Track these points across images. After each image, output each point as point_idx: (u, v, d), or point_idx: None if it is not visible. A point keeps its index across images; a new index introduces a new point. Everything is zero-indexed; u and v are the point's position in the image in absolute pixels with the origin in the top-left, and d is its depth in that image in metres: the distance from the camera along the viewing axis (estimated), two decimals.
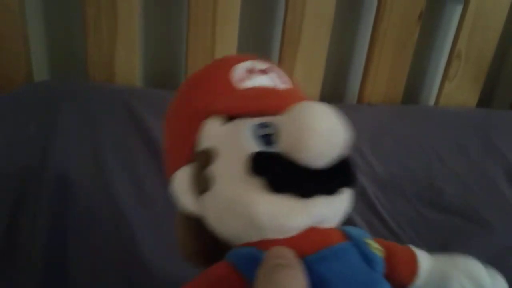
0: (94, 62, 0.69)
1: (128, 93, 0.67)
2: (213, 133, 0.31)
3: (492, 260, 0.34)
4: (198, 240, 0.33)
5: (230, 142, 0.30)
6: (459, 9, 0.83)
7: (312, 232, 0.28)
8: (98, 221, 0.54)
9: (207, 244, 0.32)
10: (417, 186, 0.69)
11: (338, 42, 0.82)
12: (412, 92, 0.91)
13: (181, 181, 0.31)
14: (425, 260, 0.34)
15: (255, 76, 0.34)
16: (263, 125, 0.30)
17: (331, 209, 0.29)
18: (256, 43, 0.80)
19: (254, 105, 0.31)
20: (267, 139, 0.29)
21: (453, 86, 0.85)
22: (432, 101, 0.91)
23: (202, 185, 0.30)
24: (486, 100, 0.93)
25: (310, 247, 0.27)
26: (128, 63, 0.70)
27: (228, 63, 0.35)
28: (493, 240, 0.65)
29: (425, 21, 0.80)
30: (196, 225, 0.31)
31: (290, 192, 0.27)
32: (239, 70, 0.34)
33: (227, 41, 0.71)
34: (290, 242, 0.28)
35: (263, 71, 0.34)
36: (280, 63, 0.76)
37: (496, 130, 0.79)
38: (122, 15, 0.67)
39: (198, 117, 0.32)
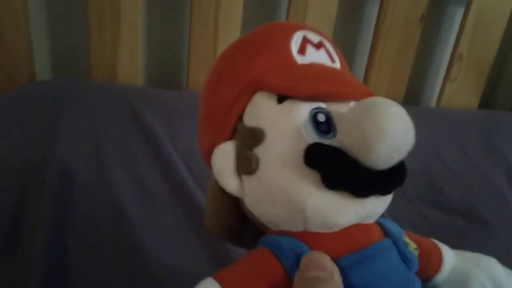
0: (97, 62, 0.69)
1: (130, 93, 0.67)
2: (266, 112, 0.28)
3: None
4: (230, 217, 0.31)
5: (285, 126, 0.27)
6: (460, 11, 0.83)
7: (355, 229, 0.27)
8: (99, 220, 0.54)
9: (238, 222, 0.31)
10: (418, 186, 0.70)
11: (340, 43, 0.82)
12: (414, 93, 0.91)
13: (224, 158, 0.29)
14: (449, 257, 0.33)
15: (312, 50, 0.31)
16: (321, 111, 0.28)
17: (379, 208, 0.28)
18: None
19: (317, 88, 0.28)
20: (324, 126, 0.27)
21: (455, 87, 0.85)
22: (433, 103, 0.91)
23: (246, 166, 0.28)
24: (487, 102, 0.93)
25: (352, 244, 0.27)
26: (131, 63, 0.70)
27: (286, 28, 0.31)
28: (493, 240, 0.65)
29: (427, 23, 0.80)
30: (231, 203, 0.30)
31: (344, 189, 0.26)
32: (298, 39, 0.31)
33: (230, 41, 0.71)
34: (332, 238, 0.27)
35: (318, 45, 0.31)
36: None
37: (496, 131, 0.79)
38: (125, 15, 0.67)
39: (250, 88, 0.29)
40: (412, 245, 0.29)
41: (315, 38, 0.32)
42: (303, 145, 0.26)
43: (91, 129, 0.61)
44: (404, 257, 0.28)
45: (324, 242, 0.27)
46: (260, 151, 0.28)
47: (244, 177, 0.28)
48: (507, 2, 0.80)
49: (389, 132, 0.24)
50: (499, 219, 0.68)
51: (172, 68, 0.79)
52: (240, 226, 0.31)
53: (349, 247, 0.26)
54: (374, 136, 0.24)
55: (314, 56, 0.31)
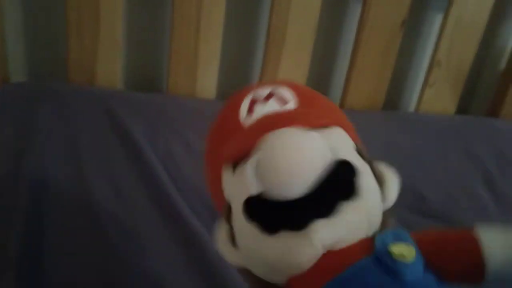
0: (75, 64, 0.67)
1: (109, 96, 0.66)
2: (227, 184, 0.32)
3: None
4: (258, 281, 0.32)
5: (237, 190, 0.30)
6: (440, 18, 0.84)
7: (326, 258, 0.28)
8: (75, 228, 0.52)
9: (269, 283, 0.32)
10: (398, 191, 0.70)
11: (321, 48, 0.82)
12: (393, 98, 0.92)
13: (221, 237, 0.32)
14: (494, 250, 0.28)
15: (259, 107, 0.33)
16: None
17: (337, 229, 0.28)
18: (240, 46, 0.80)
19: (254, 141, 0.30)
20: None
21: (433, 93, 0.86)
22: (412, 108, 0.93)
23: (232, 240, 0.31)
24: (464, 107, 0.95)
25: (326, 274, 0.27)
26: (110, 66, 0.69)
27: (240, 98, 0.35)
28: None
29: (407, 29, 0.81)
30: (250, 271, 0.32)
31: (284, 229, 0.27)
32: (246, 104, 0.34)
33: (211, 45, 0.71)
34: (307, 276, 0.28)
35: (266, 98, 0.34)
36: (264, 66, 0.76)
37: (473, 136, 0.81)
38: (104, 17, 0.66)
39: (220, 166, 0.33)
40: (399, 251, 0.28)
41: (263, 93, 0.34)
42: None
43: (67, 134, 0.59)
44: (388, 270, 0.27)
45: (303, 281, 0.28)
46: (233, 223, 0.30)
47: (236, 250, 0.31)
48: (484, 9, 0.81)
49: (275, 166, 0.27)
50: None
51: (152, 72, 0.77)
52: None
53: (322, 280, 0.27)
54: (266, 174, 0.27)
55: (263, 111, 0.33)
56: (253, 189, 0.29)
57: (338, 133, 0.33)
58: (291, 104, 0.34)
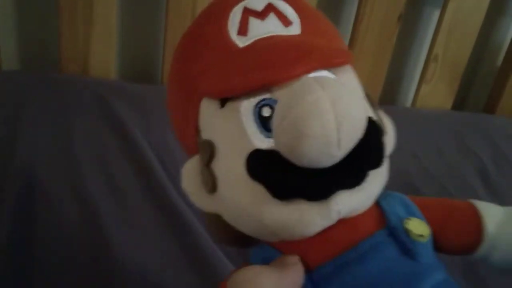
0: (68, 53, 0.66)
1: (103, 86, 0.65)
2: (210, 121, 0.26)
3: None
4: (227, 231, 0.28)
5: (230, 134, 0.25)
6: (437, 12, 0.84)
7: (336, 229, 0.24)
8: (66, 218, 0.51)
9: (236, 232, 0.29)
10: (393, 186, 0.70)
11: None
12: (389, 94, 0.92)
13: (189, 178, 0.27)
14: (492, 222, 0.27)
15: (256, 23, 0.26)
16: (266, 103, 0.24)
17: (358, 200, 0.25)
18: None
19: (253, 79, 0.24)
20: (271, 122, 0.23)
21: (430, 88, 0.86)
22: (408, 103, 0.92)
23: (208, 184, 0.26)
24: (460, 103, 0.95)
25: (334, 247, 0.24)
26: (104, 56, 0.68)
27: (222, 8, 0.27)
28: None
29: (404, 23, 0.81)
30: (221, 219, 0.28)
31: (296, 197, 0.23)
32: (236, 17, 0.26)
33: None
34: (312, 244, 0.24)
35: (264, 12, 0.27)
36: None
37: (470, 132, 0.80)
38: (98, 4, 0.65)
39: (194, 97, 0.27)
40: (417, 230, 0.25)
41: (259, 4, 0.27)
42: (249, 152, 0.24)
43: (59, 124, 0.58)
44: (405, 249, 0.25)
45: (303, 248, 0.25)
46: (215, 167, 0.25)
47: (212, 195, 0.26)
48: (482, 4, 0.81)
49: (308, 132, 0.21)
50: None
51: (147, 62, 0.77)
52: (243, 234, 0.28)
53: (332, 251, 0.24)
54: (294, 140, 0.21)
55: (260, 30, 0.26)
56: (263, 143, 0.24)
57: (351, 75, 0.28)
58: (296, 26, 0.27)
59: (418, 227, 0.25)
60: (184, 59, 0.28)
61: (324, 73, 0.25)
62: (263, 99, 0.24)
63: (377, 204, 0.27)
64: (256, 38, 0.26)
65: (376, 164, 0.24)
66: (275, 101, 0.24)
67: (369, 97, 0.28)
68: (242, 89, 0.24)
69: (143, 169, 0.58)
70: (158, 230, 0.53)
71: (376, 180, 0.26)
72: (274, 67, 0.24)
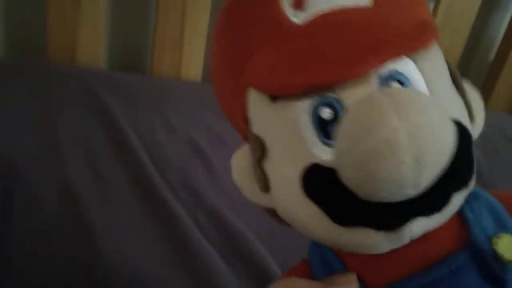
0: (55, 41, 0.65)
1: (90, 76, 0.63)
2: (260, 115, 0.22)
3: None
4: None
5: (282, 135, 0.21)
6: (430, 7, 0.84)
7: (409, 247, 0.20)
8: (49, 211, 0.50)
9: None
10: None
11: None
12: None
13: (240, 171, 0.25)
14: None
15: None
16: (326, 102, 0.20)
17: (437, 222, 0.21)
18: None
19: (314, 78, 0.20)
20: (332, 126, 0.20)
21: None
22: None
23: (260, 182, 0.23)
24: None
25: (402, 267, 0.21)
26: (92, 45, 0.67)
27: None
28: None
29: None
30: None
31: (365, 226, 0.20)
32: None
33: (197, 23, 0.69)
34: (375, 259, 0.21)
35: None
36: None
37: None
38: None
39: (241, 81, 0.23)
40: (510, 252, 0.20)
41: None
42: (305, 163, 0.20)
43: (44, 113, 0.57)
44: (491, 276, 0.20)
45: (366, 261, 0.21)
46: (267, 168, 0.22)
47: (264, 193, 0.24)
48: (475, 0, 0.81)
49: (378, 176, 0.17)
50: None
51: (136, 52, 0.75)
52: None
53: (400, 270, 0.21)
54: (361, 181, 0.18)
55: (320, 4, 0.21)
56: (322, 152, 0.20)
57: (435, 58, 0.23)
58: None
59: (510, 248, 0.20)
60: (228, 35, 0.24)
61: (401, 65, 0.21)
62: (324, 97, 0.20)
63: (459, 211, 0.22)
64: (316, 14, 0.21)
65: (465, 184, 0.20)
66: (337, 100, 0.20)
67: (456, 76, 0.24)
68: (298, 88, 0.20)
69: (129, 159, 0.57)
70: (144, 221, 0.52)
71: (461, 195, 0.21)
72: (339, 61, 0.19)
